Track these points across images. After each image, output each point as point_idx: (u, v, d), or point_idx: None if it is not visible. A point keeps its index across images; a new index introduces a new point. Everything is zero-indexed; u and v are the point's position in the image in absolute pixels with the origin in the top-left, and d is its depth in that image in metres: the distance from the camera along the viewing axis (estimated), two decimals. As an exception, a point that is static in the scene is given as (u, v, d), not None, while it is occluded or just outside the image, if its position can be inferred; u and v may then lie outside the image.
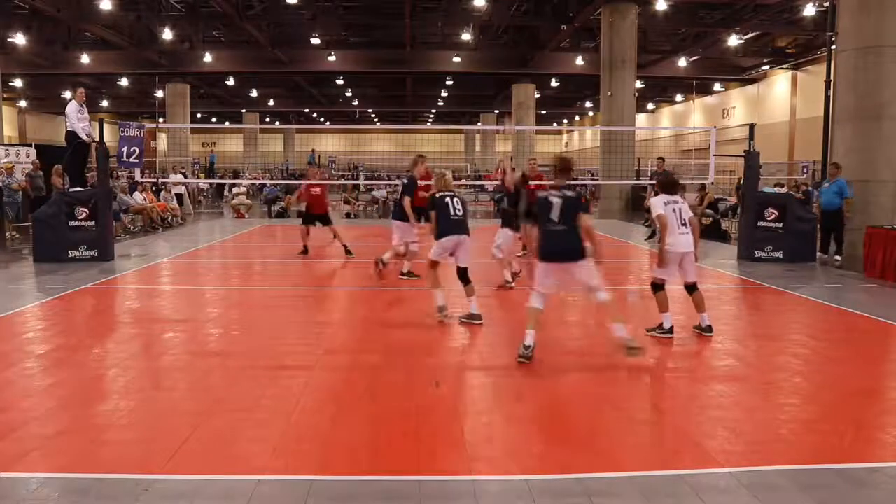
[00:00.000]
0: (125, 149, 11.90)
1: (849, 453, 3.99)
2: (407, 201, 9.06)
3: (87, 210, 11.25)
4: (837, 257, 11.63)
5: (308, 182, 12.95)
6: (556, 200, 5.59)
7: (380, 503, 3.37)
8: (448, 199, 7.01)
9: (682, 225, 6.36)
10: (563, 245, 5.59)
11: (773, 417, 4.53)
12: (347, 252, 11.91)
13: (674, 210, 6.35)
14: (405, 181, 9.33)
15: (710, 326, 6.57)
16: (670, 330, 6.46)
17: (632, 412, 4.66)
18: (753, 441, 4.11)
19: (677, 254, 6.35)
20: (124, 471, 3.64)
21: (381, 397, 4.88)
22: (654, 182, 15.59)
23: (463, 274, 7.01)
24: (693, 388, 5.28)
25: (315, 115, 51.81)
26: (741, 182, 20.08)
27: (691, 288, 6.58)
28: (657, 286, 6.47)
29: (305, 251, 12.14)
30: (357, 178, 34.63)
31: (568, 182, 5.85)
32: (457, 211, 6.98)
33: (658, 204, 6.33)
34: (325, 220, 12.30)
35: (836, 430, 4.31)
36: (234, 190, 24.34)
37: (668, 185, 6.54)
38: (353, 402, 4.81)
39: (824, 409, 4.77)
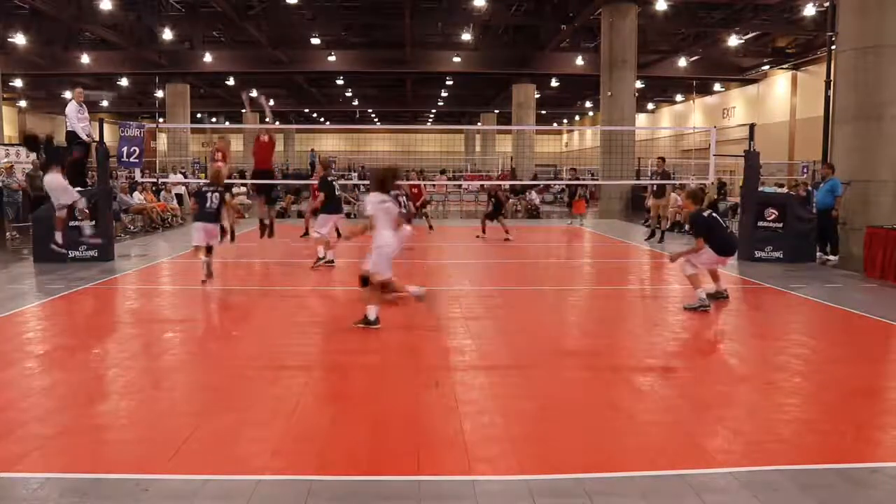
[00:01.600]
0: (125, 149, 11.89)
1: (849, 453, 3.99)
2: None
3: (87, 210, 11.24)
4: (832, 257, 11.62)
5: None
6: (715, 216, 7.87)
7: (380, 503, 3.37)
8: (209, 192, 8.59)
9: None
10: (735, 243, 8.19)
11: (773, 417, 4.53)
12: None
13: (386, 210, 6.55)
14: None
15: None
16: (376, 321, 6.66)
17: (632, 412, 4.66)
18: (753, 441, 4.10)
19: (394, 250, 6.59)
20: (124, 471, 3.64)
21: (381, 397, 4.88)
22: (653, 182, 15.70)
23: (209, 250, 8.46)
24: (693, 387, 5.28)
25: (315, 115, 51.79)
26: (720, 184, 20.35)
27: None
28: (366, 280, 6.61)
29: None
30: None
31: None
32: (212, 204, 8.51)
33: (369, 203, 6.57)
34: None
35: (836, 430, 4.31)
36: (234, 190, 24.31)
37: (381, 183, 6.80)
38: (353, 402, 4.82)
39: (824, 409, 4.77)
